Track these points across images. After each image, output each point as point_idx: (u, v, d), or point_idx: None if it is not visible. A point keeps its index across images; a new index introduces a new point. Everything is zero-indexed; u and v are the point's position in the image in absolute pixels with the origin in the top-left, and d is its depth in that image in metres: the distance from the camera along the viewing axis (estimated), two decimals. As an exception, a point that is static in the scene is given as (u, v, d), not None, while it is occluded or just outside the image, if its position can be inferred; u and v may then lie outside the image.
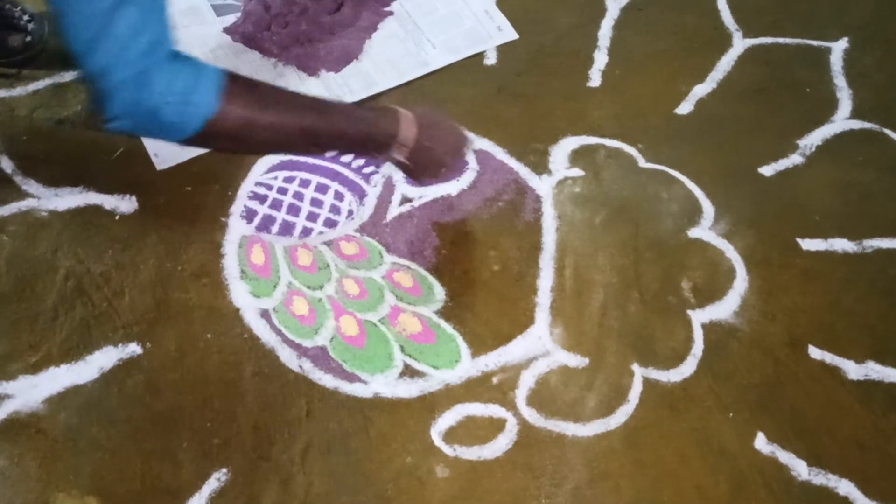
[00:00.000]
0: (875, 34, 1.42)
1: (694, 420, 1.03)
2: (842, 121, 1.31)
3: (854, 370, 1.07)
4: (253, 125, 0.89)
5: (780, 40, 1.40)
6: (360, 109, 1.03)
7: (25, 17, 1.29)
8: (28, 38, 1.28)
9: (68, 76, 1.28)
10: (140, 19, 0.81)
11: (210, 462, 0.97)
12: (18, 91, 1.27)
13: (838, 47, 1.40)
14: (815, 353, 1.08)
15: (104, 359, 1.04)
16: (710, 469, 0.99)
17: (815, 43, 1.40)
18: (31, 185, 1.17)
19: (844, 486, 0.99)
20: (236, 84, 0.88)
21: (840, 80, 1.35)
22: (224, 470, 0.97)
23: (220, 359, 1.05)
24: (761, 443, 1.01)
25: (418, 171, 1.05)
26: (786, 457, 1.00)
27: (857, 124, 1.30)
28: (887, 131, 1.29)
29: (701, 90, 1.34)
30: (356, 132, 0.99)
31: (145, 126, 0.86)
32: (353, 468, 0.98)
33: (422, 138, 1.01)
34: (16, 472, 0.95)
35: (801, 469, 0.99)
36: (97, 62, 0.81)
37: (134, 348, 1.05)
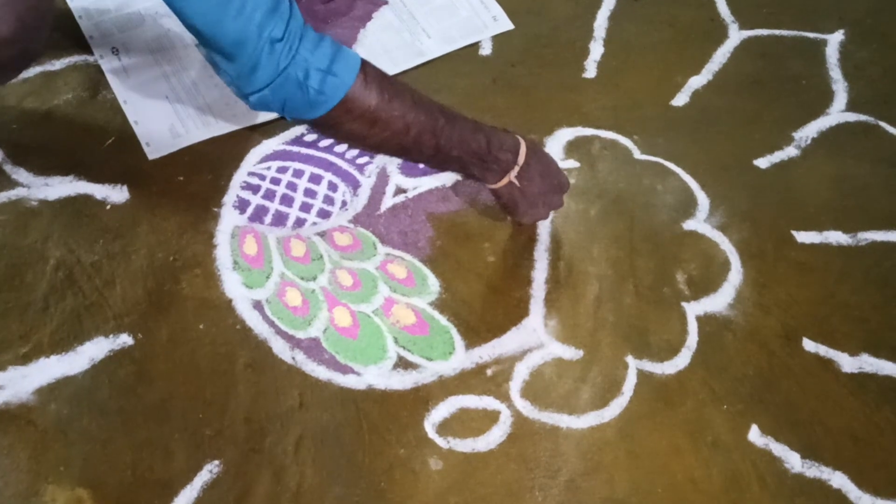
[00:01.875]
0: (871, 27, 1.42)
1: (688, 412, 1.02)
2: (837, 113, 1.30)
3: (848, 363, 1.07)
4: (385, 111, 0.91)
5: (776, 32, 1.40)
6: (483, 124, 1.02)
7: (16, 4, 1.27)
8: (18, 26, 1.27)
9: (58, 64, 1.27)
10: None
11: (202, 453, 0.97)
12: (8, 79, 1.25)
13: (834, 40, 1.39)
14: (809, 345, 1.08)
15: (95, 349, 1.03)
16: (703, 461, 0.99)
17: (811, 35, 1.40)
18: (20, 174, 1.16)
19: (838, 479, 0.98)
20: (371, 67, 0.90)
21: (836, 73, 1.35)
22: (216, 461, 0.96)
23: (212, 350, 1.04)
24: (755, 435, 1.01)
25: (521, 205, 1.06)
26: (779, 449, 1.00)
27: (852, 117, 1.30)
28: (882, 124, 1.29)
29: (697, 82, 1.33)
30: (478, 144, 0.99)
31: (290, 96, 0.87)
32: (347, 460, 0.97)
33: (532, 170, 1.03)
34: (5, 464, 0.95)
35: (794, 461, 0.99)
36: (230, 34, 0.82)
37: (125, 339, 1.04)
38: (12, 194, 1.14)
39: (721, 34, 1.39)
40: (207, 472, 0.95)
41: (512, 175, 1.03)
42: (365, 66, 0.90)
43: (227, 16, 0.81)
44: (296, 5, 0.86)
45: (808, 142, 1.27)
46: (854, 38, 1.40)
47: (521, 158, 1.02)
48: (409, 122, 0.93)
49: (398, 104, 0.92)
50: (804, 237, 1.17)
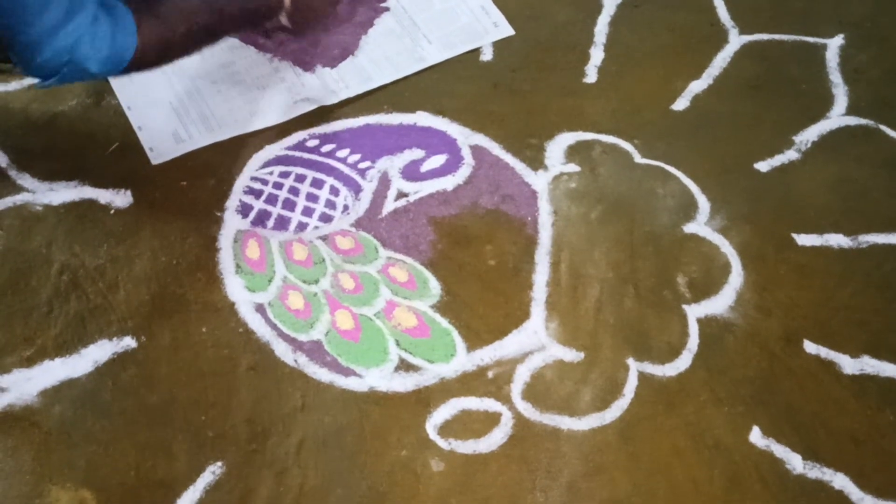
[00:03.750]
0: (871, 31, 1.42)
1: (689, 414, 1.03)
2: (837, 117, 1.31)
3: (849, 365, 1.07)
4: (168, 45, 1.02)
5: (776, 37, 1.40)
6: None
7: (21, 12, 1.29)
8: (23, 33, 1.28)
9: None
10: None
11: (205, 455, 0.97)
12: (14, 86, 1.26)
13: (834, 44, 1.40)
14: (810, 347, 1.08)
15: (99, 352, 1.03)
16: (705, 463, 0.99)
17: (810, 39, 1.40)
18: (25, 180, 1.17)
19: (839, 480, 0.98)
20: (145, 18, 0.99)
21: (836, 77, 1.35)
22: (219, 463, 0.97)
23: (214, 353, 1.04)
24: (756, 437, 1.01)
25: (301, 27, 1.18)
26: (781, 450, 1.00)
27: (852, 120, 1.30)
28: (883, 127, 1.29)
29: (697, 86, 1.34)
30: (241, 9, 1.10)
31: (77, 79, 0.98)
32: (348, 461, 0.98)
33: None
34: (9, 465, 0.95)
35: (795, 463, 0.99)
36: (29, 36, 0.91)
37: (128, 342, 1.04)
38: (17, 199, 1.15)
39: (721, 39, 1.40)
40: (210, 474, 0.96)
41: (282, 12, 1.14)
42: (141, 21, 0.97)
43: (30, 17, 0.89)
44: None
45: (809, 145, 1.27)
46: (854, 41, 1.40)
47: None
48: (190, 38, 1.04)
49: (178, 31, 1.01)
50: (805, 240, 1.17)
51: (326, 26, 1.25)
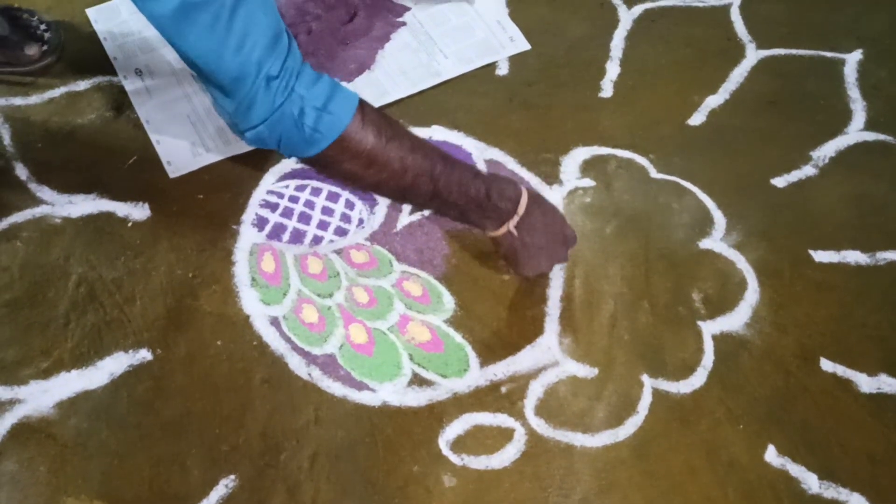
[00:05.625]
0: (890, 46, 1.41)
1: (704, 432, 1.02)
2: (855, 132, 1.30)
3: (866, 383, 1.06)
4: (382, 152, 0.91)
5: (794, 52, 1.40)
6: (484, 172, 1.02)
7: (42, 27, 1.31)
8: (44, 48, 1.30)
9: (83, 85, 1.30)
10: (260, 16, 0.82)
11: (218, 468, 0.98)
12: (34, 99, 1.28)
13: (852, 59, 1.39)
14: (826, 365, 1.07)
15: (115, 364, 1.04)
16: (719, 481, 0.99)
17: (828, 54, 1.40)
18: (44, 192, 1.18)
19: (856, 500, 0.98)
20: (369, 107, 0.90)
21: (854, 92, 1.35)
22: (232, 476, 0.97)
23: (229, 366, 1.05)
24: (772, 455, 1.00)
25: (521, 256, 1.05)
26: (796, 469, 0.99)
27: (871, 136, 1.30)
28: (902, 143, 1.29)
29: (713, 101, 1.34)
30: (477, 191, 0.98)
31: (286, 132, 0.87)
32: (361, 476, 0.98)
33: (534, 220, 1.02)
34: (25, 477, 0.96)
35: (811, 482, 0.99)
36: (229, 71, 0.82)
37: (144, 354, 1.05)
38: (37, 212, 1.16)
39: (738, 54, 1.39)
40: (223, 487, 0.97)
41: (511, 224, 1.02)
42: (363, 105, 0.90)
43: (226, 52, 0.81)
44: (294, 42, 0.87)
45: (826, 161, 1.27)
46: (872, 57, 1.39)
47: (522, 208, 1.01)
48: (406, 165, 0.93)
49: (396, 146, 0.92)
50: (821, 256, 1.17)
51: (542, 270, 1.12)
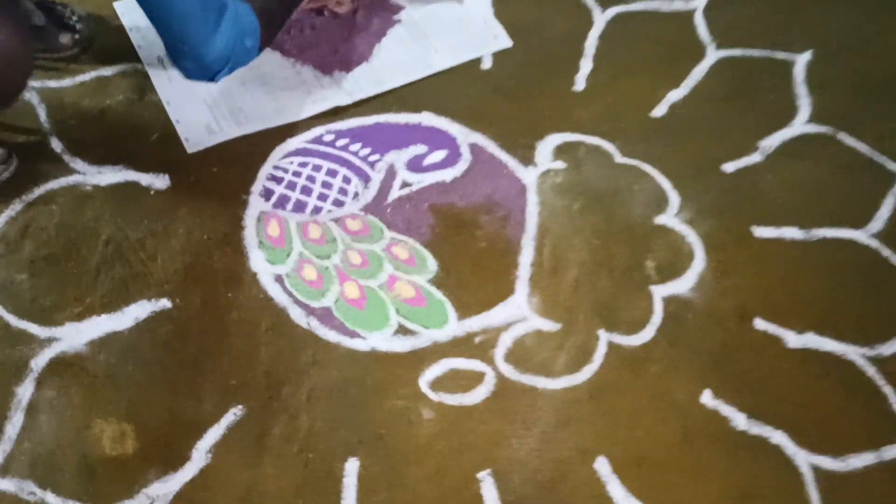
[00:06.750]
0: (838, 48, 1.54)
1: (650, 378, 1.17)
2: (800, 125, 1.44)
3: (794, 339, 1.20)
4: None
5: (750, 52, 1.54)
6: None
7: (74, 18, 1.45)
8: (76, 37, 1.45)
9: (111, 70, 1.45)
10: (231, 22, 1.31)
11: (228, 399, 1.13)
12: (67, 82, 1.43)
13: (802, 59, 1.52)
14: (759, 324, 1.22)
15: (139, 310, 1.19)
16: (661, 418, 1.13)
17: (781, 55, 1.53)
18: (77, 163, 1.33)
19: (779, 437, 1.12)
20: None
21: (801, 89, 1.49)
22: (240, 406, 1.12)
23: (238, 315, 1.20)
24: (707, 398, 1.15)
25: None
26: (728, 410, 1.14)
27: (813, 128, 1.43)
28: (841, 135, 1.42)
29: (675, 95, 1.48)
30: None
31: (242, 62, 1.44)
32: (352, 409, 1.13)
33: None
34: (62, 402, 1.11)
35: (740, 421, 1.13)
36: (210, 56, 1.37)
37: (165, 303, 1.20)
38: (70, 180, 1.32)
39: (699, 53, 1.54)
40: (232, 415, 1.11)
41: None
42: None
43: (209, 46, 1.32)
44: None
45: (772, 150, 1.41)
46: (822, 58, 1.53)
47: None
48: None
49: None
50: (762, 232, 1.31)
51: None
